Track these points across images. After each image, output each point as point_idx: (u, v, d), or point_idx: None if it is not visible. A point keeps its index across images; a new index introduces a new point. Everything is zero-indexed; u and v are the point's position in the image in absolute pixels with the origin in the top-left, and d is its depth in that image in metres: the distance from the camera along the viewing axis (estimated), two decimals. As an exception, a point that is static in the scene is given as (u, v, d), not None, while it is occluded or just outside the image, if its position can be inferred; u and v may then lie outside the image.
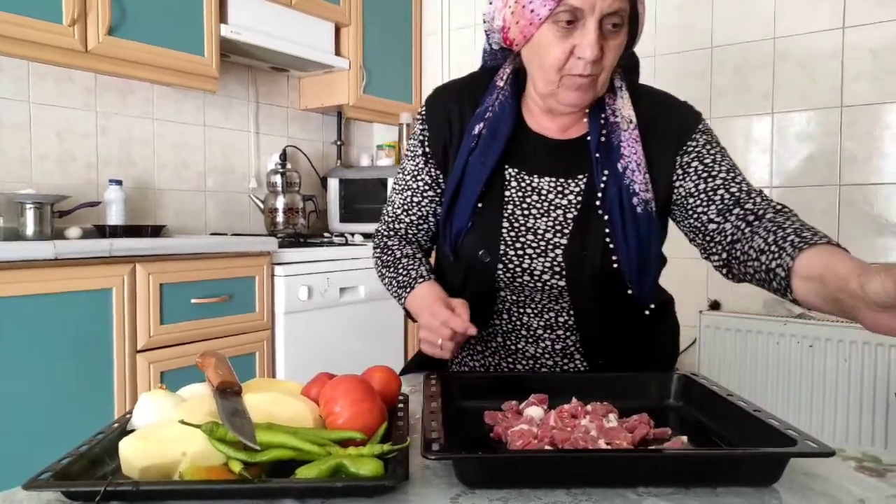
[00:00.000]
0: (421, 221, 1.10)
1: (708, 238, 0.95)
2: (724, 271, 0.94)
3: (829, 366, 2.24)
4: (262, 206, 2.69)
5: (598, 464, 0.62)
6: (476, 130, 1.00)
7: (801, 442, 0.61)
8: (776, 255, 0.81)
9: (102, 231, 2.03)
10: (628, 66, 1.02)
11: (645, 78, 1.06)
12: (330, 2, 2.69)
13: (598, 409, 0.77)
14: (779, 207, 0.90)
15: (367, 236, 2.74)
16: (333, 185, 2.97)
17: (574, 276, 0.96)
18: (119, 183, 2.19)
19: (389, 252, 1.09)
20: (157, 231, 2.12)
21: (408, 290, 1.01)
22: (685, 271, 2.38)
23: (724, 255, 0.92)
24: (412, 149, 1.09)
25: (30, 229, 1.83)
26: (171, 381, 1.86)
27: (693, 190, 0.95)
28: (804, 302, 0.78)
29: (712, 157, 0.96)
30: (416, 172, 1.08)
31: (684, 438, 0.71)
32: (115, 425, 0.69)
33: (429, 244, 1.14)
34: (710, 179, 0.94)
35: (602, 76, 0.91)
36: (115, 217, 2.16)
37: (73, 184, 2.20)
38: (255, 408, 0.65)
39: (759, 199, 0.91)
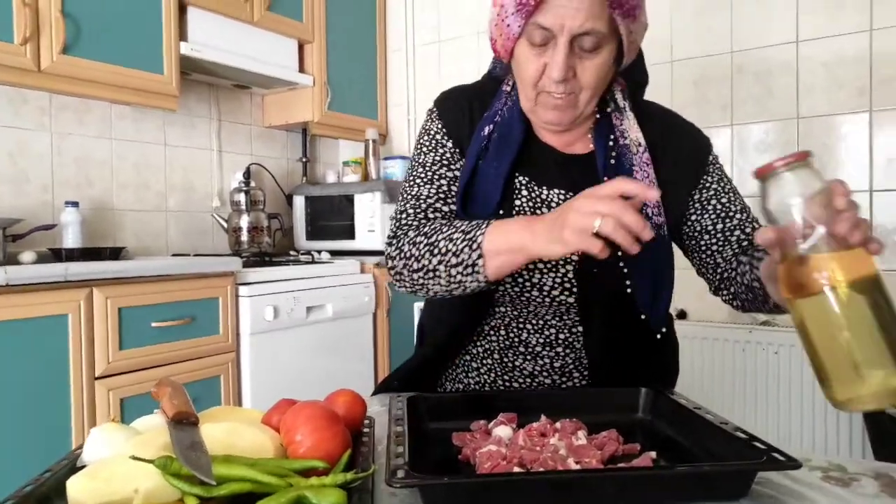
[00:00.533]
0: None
1: (719, 276, 0.97)
2: (735, 304, 0.96)
3: (795, 372, 2.28)
4: (225, 225, 2.64)
5: (566, 484, 0.61)
6: (485, 132, 0.96)
7: (767, 455, 0.61)
8: (748, 272, 0.84)
9: (58, 255, 1.96)
10: (634, 83, 1.01)
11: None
12: (293, 18, 2.67)
13: (566, 426, 0.76)
14: None
15: (333, 253, 2.72)
16: (299, 202, 2.94)
17: (584, 294, 0.94)
18: (76, 205, 2.13)
19: (433, 223, 0.93)
20: (115, 253, 2.06)
21: (483, 226, 0.83)
22: (652, 282, 2.38)
23: (733, 290, 0.95)
24: (430, 144, 1.00)
25: (-20, 254, 1.76)
26: (132, 408, 1.80)
27: (710, 228, 0.97)
28: (781, 303, 0.79)
29: (727, 195, 0.98)
30: (448, 162, 0.98)
31: (653, 454, 0.70)
32: (64, 462, 0.66)
33: None
34: (727, 220, 0.96)
35: (582, 95, 0.89)
36: (71, 240, 2.10)
37: (27, 206, 2.13)
38: (213, 438, 0.63)
39: None
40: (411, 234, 0.93)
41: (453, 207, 0.96)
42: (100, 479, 0.56)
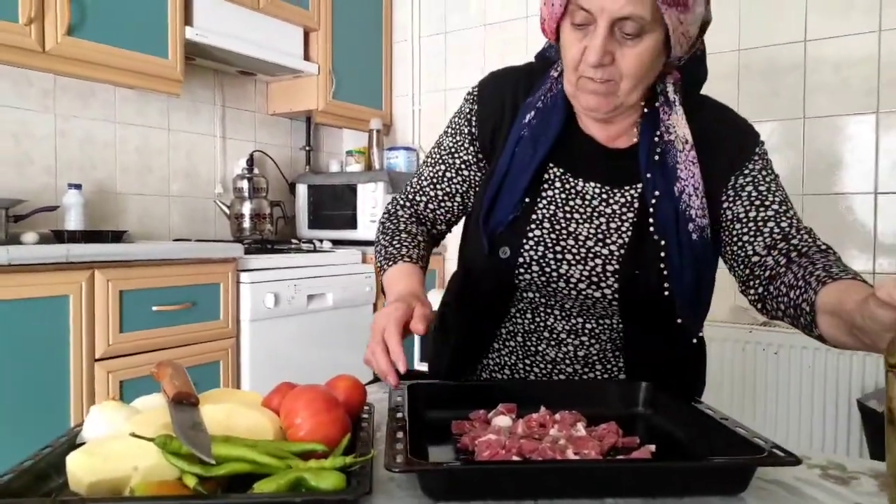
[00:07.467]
0: (446, 198, 1.05)
1: (748, 270, 0.90)
2: (759, 306, 0.90)
3: (794, 372, 2.28)
4: (227, 211, 2.64)
5: (565, 474, 0.61)
6: (527, 119, 0.95)
7: (767, 450, 0.61)
8: (803, 291, 0.78)
9: (60, 236, 1.96)
10: (692, 78, 0.96)
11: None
12: (298, 6, 2.66)
13: (566, 417, 0.76)
14: (824, 247, 0.86)
15: (335, 243, 2.72)
16: (302, 190, 2.93)
17: (627, 293, 0.91)
18: (78, 187, 2.13)
19: (395, 220, 1.07)
20: (117, 237, 2.06)
21: (391, 262, 1.00)
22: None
23: (761, 290, 0.88)
24: (454, 126, 1.03)
25: (-18, 234, 1.76)
26: (131, 390, 1.80)
27: (742, 216, 0.90)
28: (829, 338, 0.74)
29: (766, 185, 0.91)
30: (454, 149, 1.02)
31: (652, 447, 0.70)
32: (64, 439, 0.66)
33: (444, 228, 1.09)
34: (762, 209, 0.90)
35: (623, 84, 0.86)
36: (73, 222, 2.09)
37: (30, 188, 2.12)
38: (213, 419, 0.63)
39: (806, 237, 0.88)
40: (385, 215, 1.09)
41: (439, 194, 1.05)
42: (99, 455, 0.57)
